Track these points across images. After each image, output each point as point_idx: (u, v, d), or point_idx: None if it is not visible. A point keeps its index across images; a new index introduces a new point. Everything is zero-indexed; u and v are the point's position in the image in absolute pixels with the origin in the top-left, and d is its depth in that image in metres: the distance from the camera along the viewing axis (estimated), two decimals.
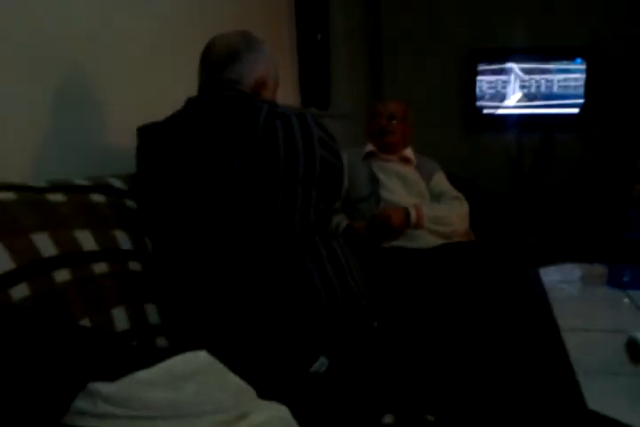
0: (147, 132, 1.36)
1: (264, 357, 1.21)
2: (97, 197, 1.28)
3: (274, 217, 1.23)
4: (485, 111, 4.51)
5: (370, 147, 2.47)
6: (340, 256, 1.30)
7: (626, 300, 1.54)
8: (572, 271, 1.81)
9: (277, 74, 1.45)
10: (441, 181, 2.47)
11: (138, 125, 1.38)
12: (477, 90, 4.50)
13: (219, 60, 1.35)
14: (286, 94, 2.80)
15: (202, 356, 0.77)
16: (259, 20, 2.49)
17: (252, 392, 0.77)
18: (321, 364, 1.19)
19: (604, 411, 0.94)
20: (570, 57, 4.33)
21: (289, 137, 1.23)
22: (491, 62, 4.47)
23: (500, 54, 4.46)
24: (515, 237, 4.07)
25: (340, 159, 1.38)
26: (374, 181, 2.37)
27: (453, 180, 4.25)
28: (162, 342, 1.32)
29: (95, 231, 1.22)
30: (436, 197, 2.41)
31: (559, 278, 1.76)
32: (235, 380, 0.75)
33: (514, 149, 4.52)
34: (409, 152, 2.48)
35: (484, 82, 4.49)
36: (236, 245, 1.25)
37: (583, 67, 4.29)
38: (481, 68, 4.49)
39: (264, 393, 1.14)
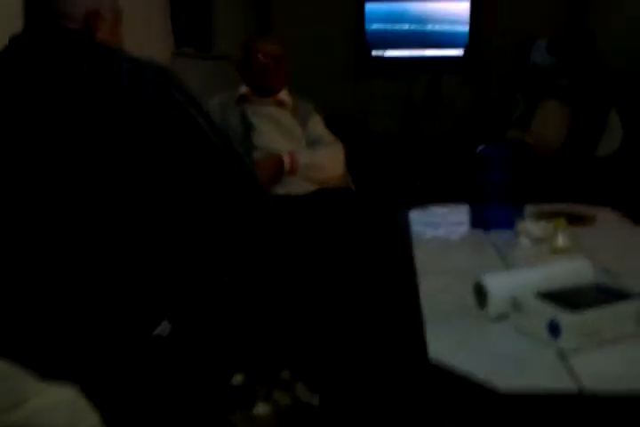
0: None
1: (102, 321, 1.08)
2: None
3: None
4: (374, 53, 4.42)
5: (243, 89, 2.31)
6: None
7: (486, 240, 1.52)
8: (439, 213, 1.78)
9: (117, 4, 1.24)
10: (317, 124, 2.36)
11: None
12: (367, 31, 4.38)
13: None
14: (154, 33, 2.56)
15: None
16: None
17: (26, 378, 0.65)
18: (163, 328, 1.08)
19: (445, 359, 0.89)
20: None
21: (111, 90, 1.04)
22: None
23: None
24: (401, 179, 4.09)
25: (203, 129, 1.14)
26: (247, 127, 2.23)
27: (340, 121, 4.18)
28: None
29: None
30: (312, 143, 2.31)
31: (426, 220, 1.72)
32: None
33: (403, 92, 4.49)
34: (284, 94, 2.34)
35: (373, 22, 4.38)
36: (93, 194, 1.08)
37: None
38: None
39: (101, 361, 1.04)
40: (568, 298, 0.95)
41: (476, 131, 3.90)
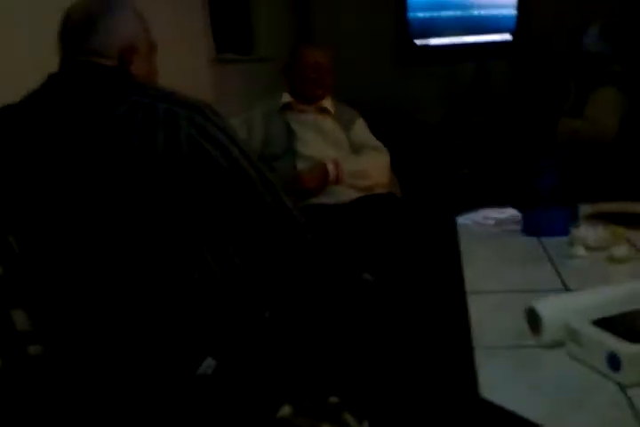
0: (3, 117, 1.16)
1: (147, 362, 1.08)
2: None
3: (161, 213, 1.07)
4: (419, 42, 4.31)
5: (287, 97, 2.29)
6: None
7: (539, 249, 1.45)
8: (489, 218, 1.71)
9: (150, 35, 1.22)
10: (361, 130, 2.33)
11: None
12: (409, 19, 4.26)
13: (74, 32, 1.13)
14: (194, 42, 2.55)
15: None
16: None
17: None
18: (207, 366, 1.08)
19: (495, 394, 0.85)
20: None
21: (147, 131, 1.03)
22: None
23: None
24: (448, 168, 4.01)
25: (237, 162, 1.10)
26: (291, 135, 2.21)
27: (387, 113, 4.11)
28: (36, 349, 1.19)
29: None
30: (357, 148, 2.28)
31: (474, 227, 1.66)
32: None
33: (449, 80, 4.38)
34: (327, 102, 2.31)
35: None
36: (120, 238, 1.08)
37: None
38: None
39: (148, 401, 1.04)
40: (629, 326, 0.90)
41: (526, 119, 3.77)
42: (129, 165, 1.03)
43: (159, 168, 1.03)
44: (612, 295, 1.02)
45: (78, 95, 1.08)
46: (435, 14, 4.27)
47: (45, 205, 1.10)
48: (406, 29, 4.31)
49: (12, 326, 1.14)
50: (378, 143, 2.30)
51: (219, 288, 1.10)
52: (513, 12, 4.12)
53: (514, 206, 1.65)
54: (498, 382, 0.89)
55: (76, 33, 1.13)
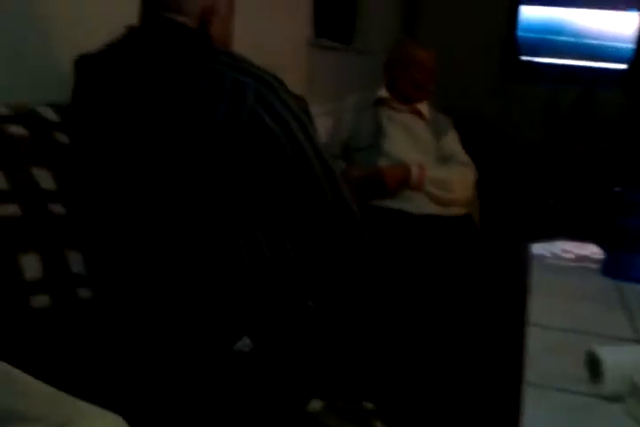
0: (83, 65, 1.19)
1: (186, 330, 1.08)
2: (15, 129, 1.13)
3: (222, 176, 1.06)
4: (524, 58, 4.17)
5: (383, 92, 2.24)
6: None
7: (615, 293, 1.36)
8: (566, 251, 1.62)
9: None
10: (452, 141, 2.25)
11: (76, 55, 1.20)
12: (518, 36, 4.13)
13: None
14: (293, 24, 2.55)
15: None
16: None
17: (71, 401, 0.64)
18: (244, 344, 1.07)
19: None
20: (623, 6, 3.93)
21: (210, 99, 1.01)
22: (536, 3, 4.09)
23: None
24: (534, 194, 3.86)
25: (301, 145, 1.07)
26: (379, 131, 2.17)
27: (480, 127, 3.99)
28: (85, 293, 1.20)
29: (7, 168, 1.08)
30: (444, 159, 2.21)
31: (549, 259, 1.57)
32: (44, 388, 0.63)
33: (551, 101, 4.22)
34: (423, 106, 2.25)
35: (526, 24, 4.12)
36: (180, 200, 1.09)
37: (636, 17, 3.89)
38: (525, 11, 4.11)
39: (182, 366, 1.04)
40: None
41: (631, 152, 3.58)
42: (185, 131, 1.02)
43: (215, 138, 1.01)
44: None
45: (153, 54, 1.08)
46: (546, 36, 4.11)
47: (111, 160, 1.12)
48: (514, 45, 4.18)
49: (67, 267, 1.16)
50: (467, 158, 2.23)
51: (266, 269, 1.09)
52: (630, 45, 3.90)
53: (597, 243, 1.55)
54: (542, 425, 0.84)
55: None
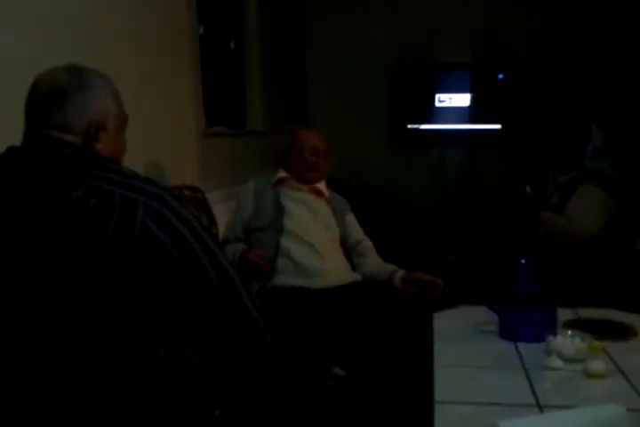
0: None
1: None
2: None
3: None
4: (410, 126, 4.43)
5: (282, 173, 2.30)
6: None
7: (514, 357, 1.41)
8: (468, 318, 1.68)
9: (122, 112, 1.19)
10: (354, 224, 2.37)
11: None
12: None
13: (41, 104, 1.10)
14: (184, 112, 2.59)
15: None
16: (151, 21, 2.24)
17: None
18: None
19: None
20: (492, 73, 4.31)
21: (99, 218, 0.99)
22: (415, 76, 4.40)
23: (425, 68, 4.40)
24: (434, 253, 4.01)
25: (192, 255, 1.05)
26: (280, 210, 2.22)
27: (378, 195, 4.14)
28: None
29: None
30: (352, 244, 2.31)
31: (451, 328, 1.62)
32: None
33: (438, 165, 4.50)
34: (322, 185, 2.33)
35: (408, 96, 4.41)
36: (63, 327, 1.01)
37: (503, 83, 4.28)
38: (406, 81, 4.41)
39: None
40: None
41: (511, 209, 3.81)
42: (75, 252, 0.99)
43: (106, 257, 0.99)
44: (584, 420, 0.98)
45: (35, 174, 1.05)
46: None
47: None
48: (398, 114, 4.45)
49: None
50: (367, 238, 2.35)
51: (168, 383, 1.04)
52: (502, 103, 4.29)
53: (492, 306, 1.61)
54: None
55: (43, 105, 1.10)
